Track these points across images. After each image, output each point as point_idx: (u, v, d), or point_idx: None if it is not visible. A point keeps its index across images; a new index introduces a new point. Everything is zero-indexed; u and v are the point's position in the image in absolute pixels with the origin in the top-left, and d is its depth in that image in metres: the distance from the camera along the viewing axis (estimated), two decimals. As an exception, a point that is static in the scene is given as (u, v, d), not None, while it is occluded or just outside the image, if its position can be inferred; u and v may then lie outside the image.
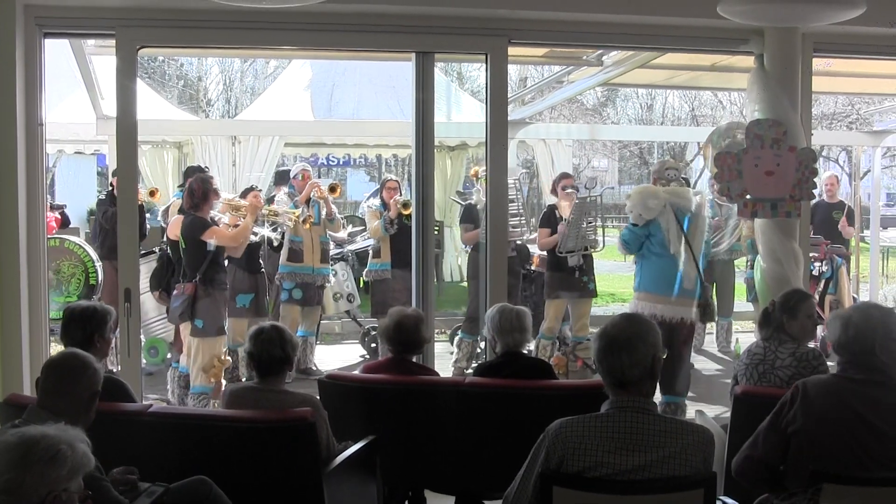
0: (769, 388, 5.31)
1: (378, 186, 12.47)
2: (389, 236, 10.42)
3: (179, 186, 10.14)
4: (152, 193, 10.93)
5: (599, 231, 9.80)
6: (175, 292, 8.14)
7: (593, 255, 10.05)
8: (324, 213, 10.10)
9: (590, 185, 9.96)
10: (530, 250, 10.69)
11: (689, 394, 9.15)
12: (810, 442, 3.96)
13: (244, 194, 9.44)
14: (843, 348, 4.11)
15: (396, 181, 10.95)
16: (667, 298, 7.91)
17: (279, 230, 9.73)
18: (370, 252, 10.84)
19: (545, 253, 10.20)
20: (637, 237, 8.08)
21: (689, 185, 9.10)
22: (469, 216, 10.40)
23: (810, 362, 5.32)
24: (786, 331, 5.47)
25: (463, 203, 11.00)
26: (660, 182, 8.33)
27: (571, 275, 9.82)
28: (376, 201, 10.87)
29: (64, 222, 12.13)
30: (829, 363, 5.44)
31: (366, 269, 10.93)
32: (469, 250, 10.69)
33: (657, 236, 7.99)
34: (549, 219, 10.10)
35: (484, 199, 10.01)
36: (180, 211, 8.66)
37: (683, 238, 7.92)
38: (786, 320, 5.47)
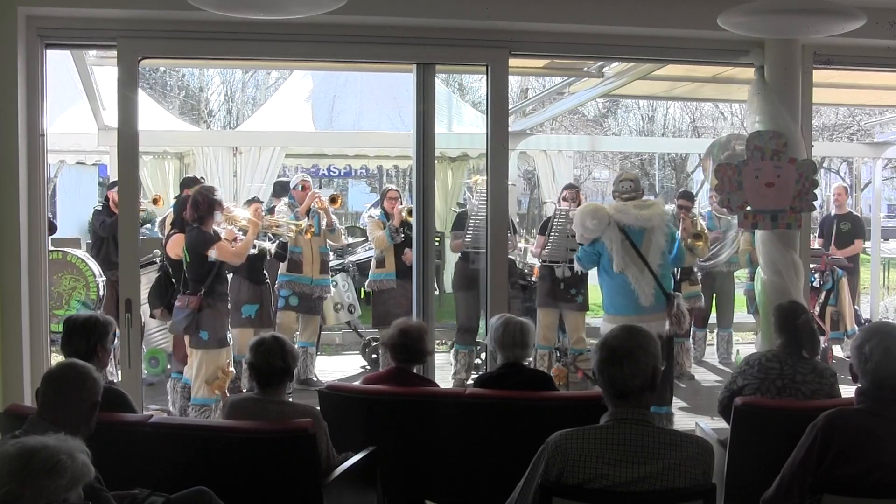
0: (768, 399, 5.31)
1: (379, 197, 12.44)
2: (394, 246, 10.39)
3: (176, 197, 10.12)
4: (155, 201, 10.87)
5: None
6: (178, 304, 8.06)
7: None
8: (324, 223, 10.07)
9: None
10: (517, 261, 10.58)
11: (686, 405, 9.18)
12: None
13: (249, 205, 9.42)
14: (867, 375, 3.98)
15: (397, 191, 10.89)
16: (626, 318, 7.47)
17: (279, 240, 9.68)
18: (373, 262, 10.81)
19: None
20: (588, 255, 7.98)
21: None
22: (460, 224, 10.32)
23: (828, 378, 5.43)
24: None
25: (457, 212, 10.94)
26: (615, 194, 8.17)
27: (558, 286, 9.79)
28: (377, 211, 10.84)
29: (51, 229, 12.06)
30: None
31: (368, 280, 10.90)
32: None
33: (605, 255, 7.84)
34: (547, 228, 10.10)
35: (472, 206, 10.06)
36: (175, 223, 8.58)
37: (636, 254, 7.76)
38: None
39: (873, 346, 3.94)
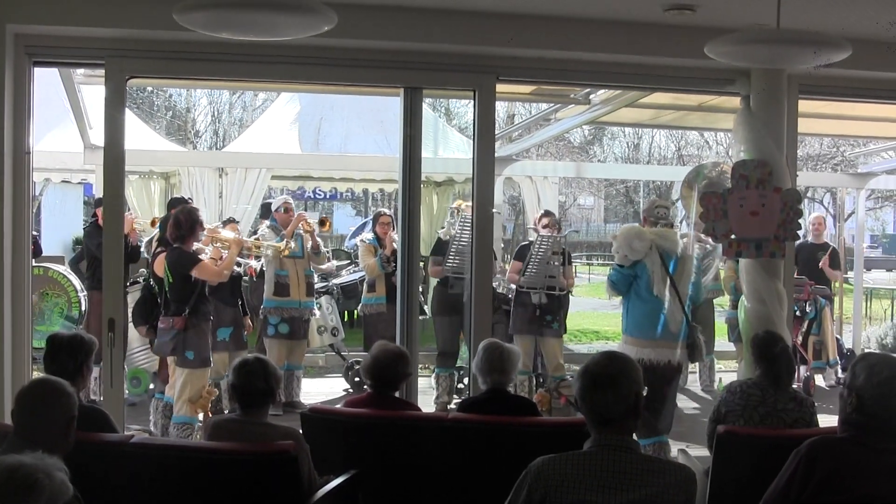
0: (750, 427, 5.33)
1: (363, 221, 12.43)
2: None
3: (162, 218, 10.05)
4: (153, 223, 10.81)
5: (582, 269, 9.77)
6: (162, 326, 8.03)
7: (570, 294, 10.03)
8: (308, 245, 9.99)
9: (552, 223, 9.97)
10: (499, 286, 10.53)
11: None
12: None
13: (224, 225, 9.40)
14: (864, 401, 3.81)
15: (390, 216, 10.80)
16: (652, 342, 7.69)
17: (261, 261, 9.63)
18: (364, 286, 10.76)
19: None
20: (625, 278, 7.86)
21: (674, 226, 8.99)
22: (439, 249, 10.28)
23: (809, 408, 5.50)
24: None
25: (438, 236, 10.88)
26: (649, 221, 8.16)
27: (534, 313, 9.77)
28: (369, 235, 10.78)
29: (36, 251, 11.99)
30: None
31: (360, 304, 10.85)
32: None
33: (643, 278, 7.78)
34: (523, 253, 10.10)
35: (455, 232, 10.05)
36: (162, 242, 8.58)
37: (669, 280, 7.79)
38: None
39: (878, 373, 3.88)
